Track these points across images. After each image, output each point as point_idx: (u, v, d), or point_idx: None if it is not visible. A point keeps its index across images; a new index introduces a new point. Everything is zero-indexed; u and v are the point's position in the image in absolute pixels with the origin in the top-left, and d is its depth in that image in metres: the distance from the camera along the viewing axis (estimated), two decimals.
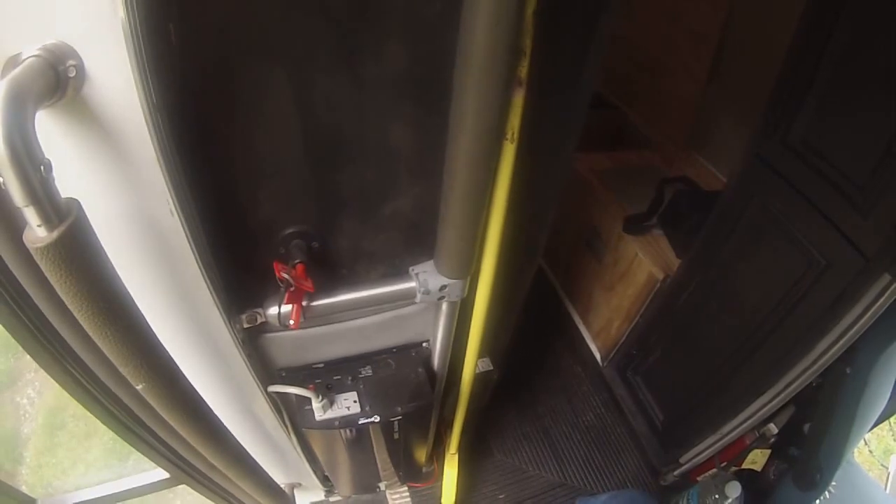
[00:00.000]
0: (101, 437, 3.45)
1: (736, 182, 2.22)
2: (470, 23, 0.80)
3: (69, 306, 0.77)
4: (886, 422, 2.44)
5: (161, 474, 2.02)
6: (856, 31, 1.64)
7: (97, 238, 0.76)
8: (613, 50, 3.74)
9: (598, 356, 3.35)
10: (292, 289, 1.14)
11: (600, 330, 3.31)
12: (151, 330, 0.96)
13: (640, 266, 2.77)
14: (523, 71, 0.96)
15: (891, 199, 1.57)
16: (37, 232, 0.66)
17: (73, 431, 3.55)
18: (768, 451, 2.15)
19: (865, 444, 3.42)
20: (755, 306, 2.13)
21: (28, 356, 1.23)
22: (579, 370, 3.36)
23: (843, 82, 1.72)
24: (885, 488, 3.33)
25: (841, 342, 1.70)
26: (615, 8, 1.14)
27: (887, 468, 3.54)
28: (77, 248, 0.71)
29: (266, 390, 1.45)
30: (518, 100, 1.00)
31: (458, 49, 0.84)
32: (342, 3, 0.85)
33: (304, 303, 1.23)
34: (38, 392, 3.68)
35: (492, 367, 1.99)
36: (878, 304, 1.58)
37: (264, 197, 1.09)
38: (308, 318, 1.28)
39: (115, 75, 0.72)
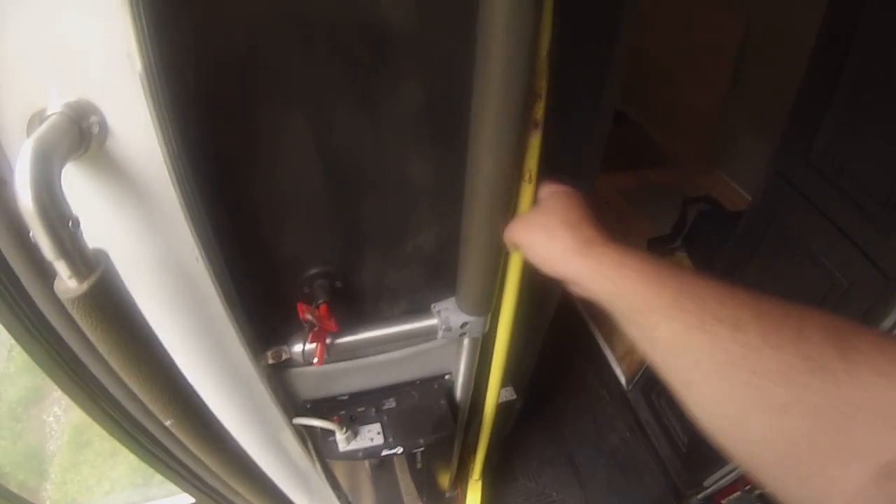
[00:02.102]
0: (126, 456, 3.45)
1: (758, 201, 2.21)
2: (483, 64, 0.80)
3: (100, 350, 0.79)
4: None
5: (186, 499, 2.03)
6: (875, 43, 1.63)
7: (125, 286, 0.77)
8: (631, 64, 3.74)
9: (622, 379, 3.33)
10: (316, 329, 1.15)
11: (625, 353, 3.29)
12: (179, 369, 0.98)
13: None
14: (539, 112, 0.95)
15: None
16: (67, 283, 0.67)
17: (98, 450, 3.57)
18: None
19: None
20: None
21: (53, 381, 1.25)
22: (604, 393, 3.34)
23: (864, 96, 1.71)
24: None
25: None
26: (627, 41, 1.17)
27: None
28: (106, 298, 0.72)
29: (291, 422, 1.47)
30: (535, 140, 0.99)
31: (474, 90, 0.85)
32: (359, 45, 0.85)
33: (327, 341, 1.25)
34: (65, 410, 3.70)
35: (515, 396, 1.98)
36: None
37: (288, 239, 1.10)
38: (332, 355, 1.29)
39: (136, 128, 0.72)
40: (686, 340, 0.64)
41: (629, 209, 3.06)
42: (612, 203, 3.12)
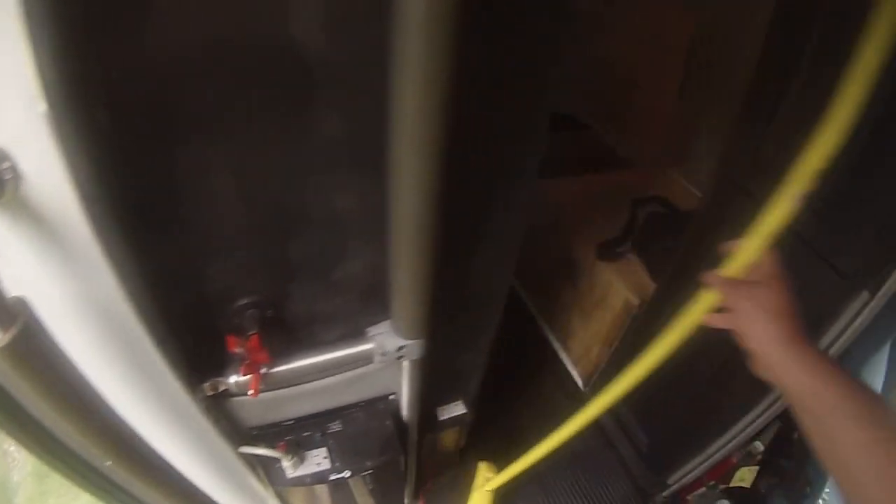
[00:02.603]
0: None
1: (707, 204, 2.21)
2: (400, 90, 0.77)
3: (30, 397, 0.78)
4: None
5: None
6: (823, 44, 1.64)
7: (49, 334, 0.76)
8: (581, 67, 3.76)
9: (579, 382, 3.34)
10: (248, 361, 1.15)
11: (581, 356, 3.30)
12: (114, 410, 0.97)
13: (616, 292, 2.77)
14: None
15: (864, 215, 1.57)
16: None
17: (60, 480, 3.52)
18: (756, 469, 2.15)
19: None
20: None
21: None
22: (561, 396, 3.33)
23: (812, 97, 1.69)
24: None
25: None
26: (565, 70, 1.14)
27: None
28: (29, 347, 0.70)
29: (237, 451, 1.46)
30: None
31: (391, 112, 0.82)
32: (270, 78, 0.85)
33: (262, 371, 1.24)
34: None
35: (465, 410, 1.99)
36: (858, 321, 1.58)
37: (214, 271, 1.08)
38: (270, 383, 1.28)
39: (49, 172, 0.70)
40: (865, 451, 0.77)
41: (579, 214, 3.07)
42: (563, 208, 3.14)
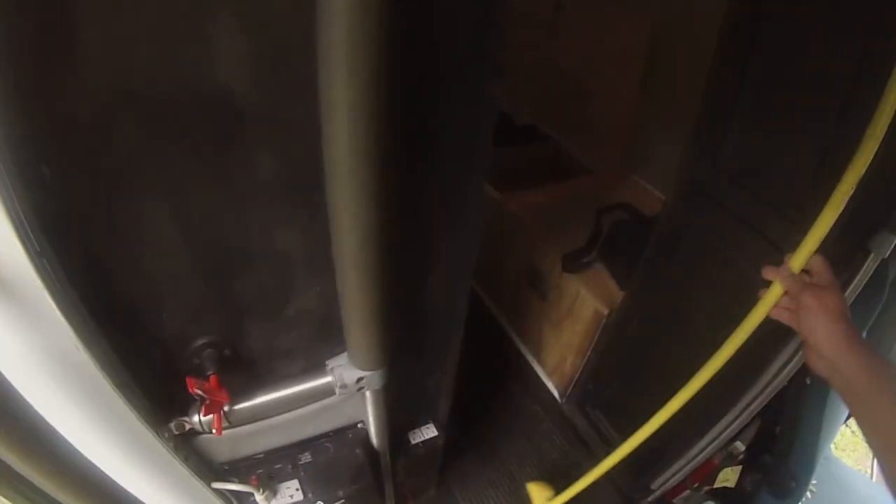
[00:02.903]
0: None
1: (670, 209, 2.23)
2: (328, 125, 0.77)
3: None
4: None
5: None
6: (777, 45, 1.65)
7: (8, 384, 0.78)
8: (539, 76, 3.77)
9: (555, 393, 3.33)
10: (208, 402, 1.16)
11: (555, 367, 3.30)
12: (82, 456, 0.98)
13: (584, 303, 2.77)
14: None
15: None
16: None
17: None
18: (739, 468, 2.15)
19: (847, 426, 3.40)
20: (703, 332, 2.07)
21: None
22: (538, 409, 3.32)
23: (770, 98, 1.73)
24: (871, 473, 3.29)
25: (796, 359, 1.70)
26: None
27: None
28: None
29: (210, 487, 1.46)
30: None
31: (324, 153, 0.82)
32: (202, 126, 0.86)
33: (225, 409, 1.25)
34: None
35: (437, 433, 2.00)
36: None
37: (167, 316, 1.09)
38: (235, 420, 1.28)
39: None
40: None
41: (543, 225, 3.08)
42: (526, 220, 3.14)
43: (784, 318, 1.25)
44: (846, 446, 3.57)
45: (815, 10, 1.54)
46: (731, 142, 1.87)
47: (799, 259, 1.22)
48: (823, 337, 1.08)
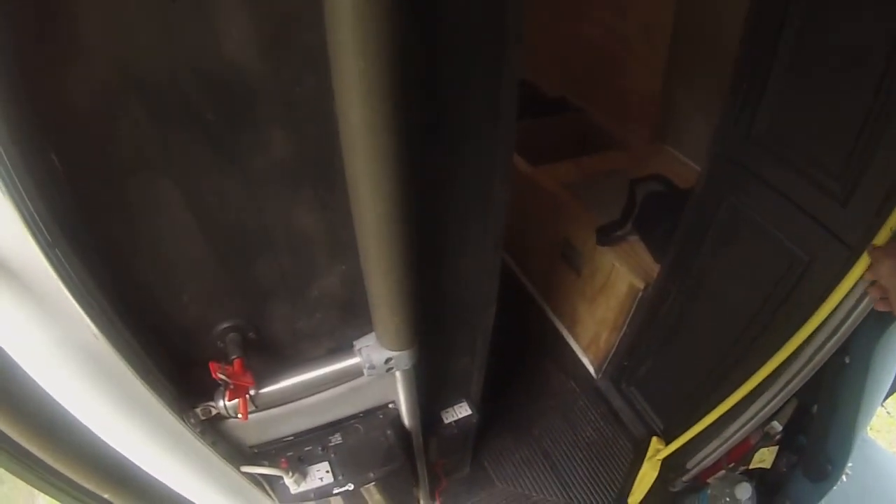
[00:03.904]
0: None
1: (704, 181, 2.17)
2: (341, 98, 0.75)
3: (21, 443, 0.78)
4: None
5: None
6: (810, 12, 1.59)
7: (29, 378, 0.76)
8: (569, 49, 3.74)
9: (591, 369, 3.30)
10: (232, 387, 1.14)
11: (590, 343, 3.26)
12: (105, 443, 0.97)
13: (620, 276, 2.73)
14: None
15: (869, 183, 1.51)
16: None
17: None
18: (775, 448, 2.12)
19: (883, 407, 3.35)
20: (741, 307, 2.08)
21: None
22: (573, 385, 3.29)
23: (804, 64, 1.67)
24: None
25: (836, 337, 1.63)
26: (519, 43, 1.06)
27: None
28: (9, 395, 0.71)
29: (240, 471, 1.45)
30: None
31: (339, 128, 0.80)
32: (206, 103, 0.83)
33: (251, 392, 1.22)
34: None
35: (471, 412, 1.97)
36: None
37: (188, 300, 1.08)
38: (259, 405, 1.27)
39: (6, 223, 0.70)
40: None
41: (576, 198, 3.03)
42: (560, 193, 3.10)
43: (880, 307, 1.30)
44: (881, 427, 3.52)
45: None
46: (764, 112, 1.82)
47: (882, 236, 1.26)
48: None
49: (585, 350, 3.34)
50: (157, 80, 0.78)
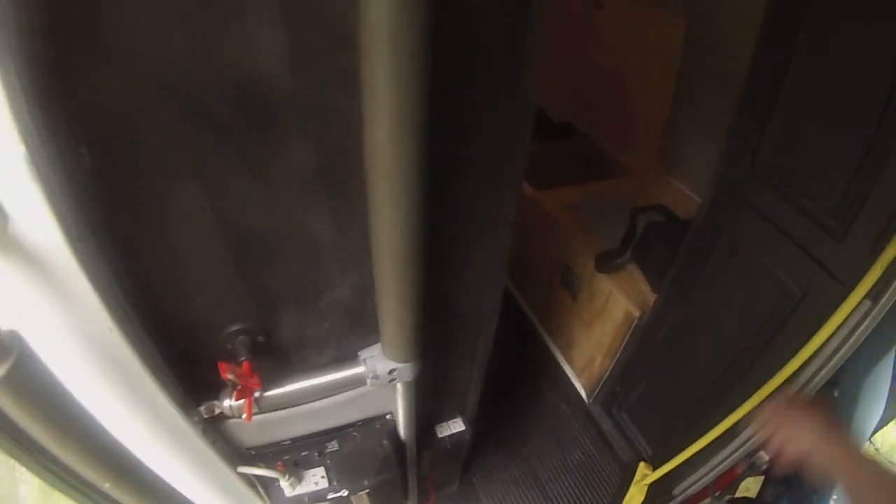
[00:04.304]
0: None
1: (705, 211, 2.20)
2: (370, 118, 0.78)
3: (28, 426, 0.80)
4: (893, 420, 2.39)
5: None
6: (817, 47, 1.63)
7: (44, 365, 0.78)
8: (576, 74, 3.76)
9: (583, 394, 3.33)
10: (239, 387, 1.16)
11: (584, 367, 3.29)
12: (110, 435, 0.99)
13: (616, 303, 2.76)
14: None
15: (865, 221, 1.55)
16: None
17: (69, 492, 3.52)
18: (761, 479, 2.14)
19: (871, 443, 3.36)
20: (734, 339, 2.11)
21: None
22: (565, 409, 3.31)
23: (806, 105, 1.71)
24: None
25: (825, 370, 1.67)
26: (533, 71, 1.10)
27: (895, 465, 3.45)
28: (24, 378, 0.72)
29: (236, 471, 1.47)
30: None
31: (364, 143, 0.83)
32: (235, 110, 0.86)
33: (256, 395, 1.25)
34: None
35: (464, 428, 1.99)
36: (861, 329, 1.56)
37: (201, 301, 1.10)
38: (263, 408, 1.29)
39: (32, 212, 0.72)
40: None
41: (577, 223, 3.06)
42: (561, 218, 3.13)
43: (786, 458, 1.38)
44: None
45: (855, 14, 1.51)
46: (768, 145, 1.85)
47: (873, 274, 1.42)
48: (818, 447, 1.28)
49: (579, 374, 3.36)
50: (190, 86, 0.81)
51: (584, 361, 3.25)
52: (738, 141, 1.96)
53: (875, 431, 1.99)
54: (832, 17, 1.58)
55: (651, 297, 2.65)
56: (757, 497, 2.14)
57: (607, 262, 2.82)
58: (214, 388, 1.26)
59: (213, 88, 0.83)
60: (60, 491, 1.40)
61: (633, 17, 3.31)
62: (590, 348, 3.16)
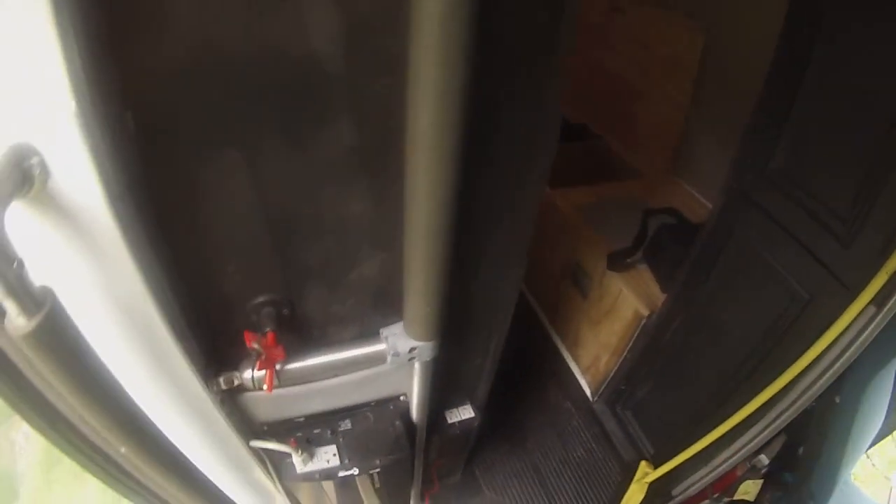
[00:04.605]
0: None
1: (716, 215, 2.23)
2: (415, 101, 0.81)
3: (52, 383, 0.81)
4: (892, 434, 2.41)
5: None
6: (832, 58, 1.65)
7: (73, 322, 0.78)
8: (593, 78, 3.78)
9: (587, 391, 3.35)
10: (263, 357, 1.18)
11: (589, 365, 3.32)
12: (131, 399, 1.00)
13: (626, 302, 2.78)
14: None
15: (872, 228, 1.57)
16: (16, 322, 0.67)
17: (68, 468, 3.53)
18: (760, 482, 2.15)
19: (867, 457, 3.35)
20: (740, 340, 2.13)
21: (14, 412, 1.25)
22: (569, 406, 3.34)
23: (821, 112, 1.73)
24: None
25: (828, 374, 1.68)
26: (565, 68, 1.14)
27: (891, 481, 3.46)
28: (54, 334, 0.72)
29: (249, 445, 1.48)
30: None
31: (407, 126, 0.85)
32: (284, 87, 0.88)
33: (277, 367, 1.27)
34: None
35: (474, 414, 2.01)
36: (865, 335, 1.57)
37: (231, 271, 1.11)
38: (283, 380, 1.30)
39: (76, 169, 0.73)
40: None
41: (589, 223, 3.07)
42: (573, 217, 3.15)
43: None
44: (865, 478, 3.53)
45: (871, 25, 1.53)
46: (781, 151, 1.88)
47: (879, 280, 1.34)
48: None
49: (584, 372, 3.39)
50: (240, 59, 0.82)
51: (590, 360, 3.28)
52: (751, 145, 2.00)
53: (874, 443, 2.00)
54: (848, 29, 1.61)
55: (660, 298, 2.67)
56: (755, 501, 2.15)
57: (619, 261, 2.84)
58: (235, 360, 1.27)
59: (264, 63, 0.84)
60: (69, 455, 1.40)
61: (653, 23, 3.33)
62: (596, 347, 3.18)
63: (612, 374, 3.12)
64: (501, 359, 1.86)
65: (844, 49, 1.62)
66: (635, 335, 2.83)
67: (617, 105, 3.75)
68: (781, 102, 1.82)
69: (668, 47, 3.23)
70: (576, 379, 3.44)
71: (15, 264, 0.66)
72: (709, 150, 3.20)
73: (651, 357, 2.75)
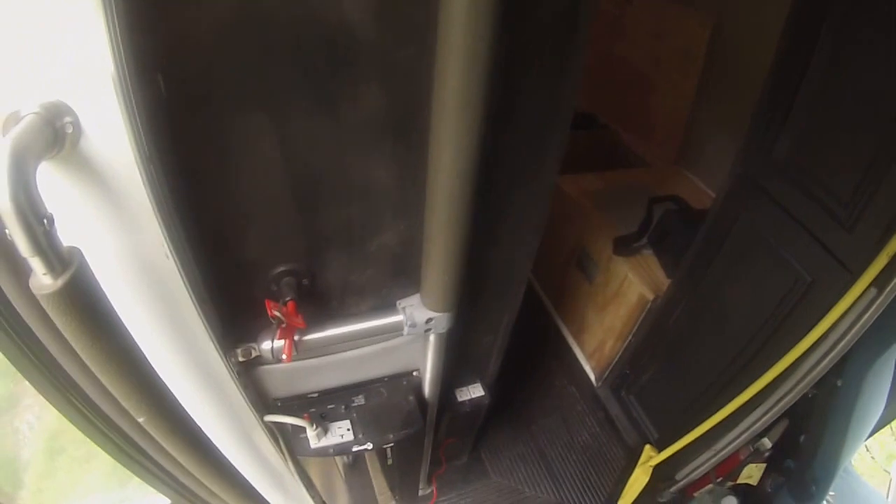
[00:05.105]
0: (100, 462, 3.43)
1: (722, 200, 2.25)
2: (442, 68, 0.83)
3: (73, 346, 0.81)
4: (889, 426, 2.42)
5: (162, 500, 2.04)
6: (837, 48, 1.67)
7: (98, 283, 0.79)
8: (602, 68, 3.79)
9: (592, 376, 3.37)
10: (284, 325, 1.19)
11: (594, 350, 3.33)
12: (151, 366, 1.00)
13: (631, 287, 2.81)
14: None
15: (874, 212, 1.59)
16: (42, 280, 0.68)
17: (72, 455, 3.53)
18: (763, 466, 2.15)
19: (867, 449, 3.37)
20: (744, 324, 2.15)
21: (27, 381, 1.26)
22: (574, 390, 3.37)
23: (826, 99, 1.75)
24: (887, 495, 3.27)
25: (830, 356, 1.69)
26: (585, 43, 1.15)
27: (890, 473, 3.47)
28: (80, 294, 0.73)
29: (262, 419, 1.49)
30: None
31: (433, 93, 0.88)
32: (316, 52, 0.89)
33: (296, 337, 1.28)
34: (38, 417, 3.66)
35: (483, 393, 2.02)
36: (866, 317, 1.58)
37: (254, 238, 1.13)
38: (301, 351, 1.32)
39: (109, 129, 0.74)
40: None
41: (596, 209, 3.09)
42: (580, 203, 3.16)
43: None
44: (865, 471, 3.53)
45: (875, 15, 1.56)
46: (786, 137, 1.90)
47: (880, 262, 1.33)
48: None
49: (589, 357, 3.41)
50: (273, 22, 0.84)
51: (595, 345, 3.30)
52: (758, 132, 2.01)
53: (874, 432, 2.01)
54: (853, 19, 1.63)
55: (665, 283, 2.70)
56: (758, 485, 2.16)
57: (625, 246, 2.86)
58: (252, 332, 1.29)
59: (297, 29, 0.86)
60: (80, 428, 1.40)
61: (662, 14, 3.35)
62: (601, 332, 3.20)
63: (616, 359, 3.15)
64: (507, 343, 1.87)
65: (849, 39, 1.64)
66: (640, 320, 2.85)
67: (625, 94, 3.78)
68: (787, 90, 1.84)
69: (676, 39, 3.25)
70: (580, 364, 3.46)
71: (45, 221, 0.66)
72: (714, 140, 3.23)
73: (655, 342, 2.76)
